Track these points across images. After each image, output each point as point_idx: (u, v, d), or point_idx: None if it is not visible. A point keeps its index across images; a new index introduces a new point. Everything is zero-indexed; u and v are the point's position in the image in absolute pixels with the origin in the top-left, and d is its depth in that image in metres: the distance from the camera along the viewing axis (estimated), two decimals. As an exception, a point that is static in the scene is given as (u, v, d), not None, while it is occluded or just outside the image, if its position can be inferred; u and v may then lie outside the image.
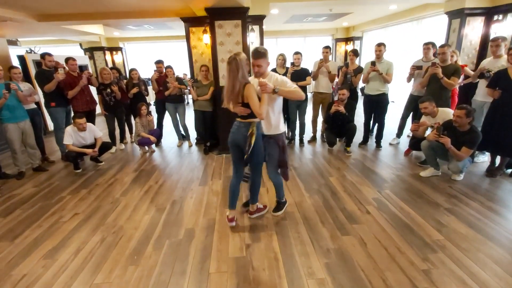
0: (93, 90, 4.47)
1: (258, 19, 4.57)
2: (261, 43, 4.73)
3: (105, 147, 4.09)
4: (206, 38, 4.45)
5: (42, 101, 4.23)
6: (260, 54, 2.13)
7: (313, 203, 2.77)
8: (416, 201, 2.75)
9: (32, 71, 5.92)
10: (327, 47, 4.44)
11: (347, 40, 9.92)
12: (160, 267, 1.99)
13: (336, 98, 4.19)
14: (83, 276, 1.93)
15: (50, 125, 5.69)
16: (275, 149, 2.38)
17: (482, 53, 4.62)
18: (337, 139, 4.45)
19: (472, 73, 3.78)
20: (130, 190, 3.26)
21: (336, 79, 4.82)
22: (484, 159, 3.59)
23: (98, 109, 4.59)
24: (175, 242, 2.27)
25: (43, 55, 3.98)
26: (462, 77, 3.82)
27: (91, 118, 4.32)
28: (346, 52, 9.79)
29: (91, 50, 8.92)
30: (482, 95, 3.43)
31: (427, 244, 2.11)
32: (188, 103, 10.08)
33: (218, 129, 4.37)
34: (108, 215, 2.71)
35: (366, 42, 9.54)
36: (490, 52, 3.55)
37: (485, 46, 4.52)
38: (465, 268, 1.86)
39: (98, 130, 4.00)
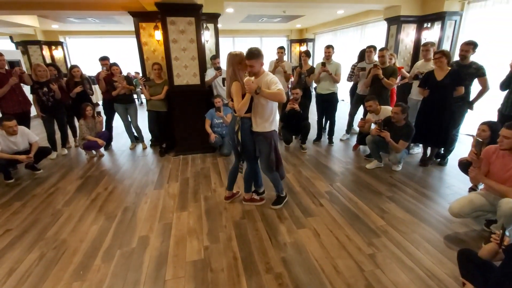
0: (26, 89, 3.97)
1: (213, 17, 4.50)
2: (217, 41, 4.68)
3: (42, 153, 3.66)
4: (158, 34, 4.24)
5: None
6: (252, 54, 2.20)
7: (271, 200, 2.83)
8: (362, 191, 3.00)
9: None
10: (281, 48, 4.57)
11: (301, 41, 10.35)
12: (111, 280, 1.86)
13: (291, 97, 4.35)
14: (17, 300, 1.72)
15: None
16: (265, 146, 2.44)
17: (415, 57, 5.19)
18: (293, 136, 4.62)
19: (408, 74, 4.23)
20: (74, 199, 2.97)
21: (292, 79, 5.00)
22: (418, 150, 4.06)
23: (34, 111, 4.09)
24: (127, 251, 2.14)
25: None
26: (399, 78, 4.24)
27: (25, 120, 3.83)
28: (300, 53, 10.19)
29: (24, 44, 7.87)
30: (417, 94, 3.85)
31: (372, 230, 2.32)
32: (141, 102, 9.54)
33: (174, 130, 4.21)
34: (48, 229, 2.43)
35: (318, 44, 10.06)
36: (421, 56, 4.01)
37: (418, 50, 5.10)
38: (403, 249, 2.09)
39: (33, 134, 3.56)
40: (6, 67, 3.76)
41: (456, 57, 4.82)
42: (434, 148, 3.62)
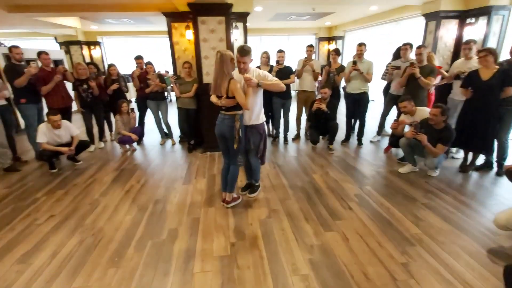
0: (68, 86, 4.27)
1: (242, 16, 4.53)
2: (245, 40, 4.70)
3: (82, 146, 3.92)
4: (189, 34, 4.36)
5: (12, 97, 3.99)
6: (246, 52, 2.34)
7: (297, 200, 2.81)
8: (395, 196, 2.86)
9: (2, 65, 5.56)
10: (311, 46, 4.48)
11: (329, 39, 10.08)
12: (142, 269, 1.95)
13: (319, 97, 4.26)
14: (60, 281, 1.85)
15: (23, 123, 5.37)
16: (258, 136, 2.63)
17: (456, 55, 4.84)
18: (320, 137, 4.52)
19: (446, 74, 3.96)
20: (110, 190, 3.15)
21: (320, 78, 4.89)
22: (459, 155, 3.78)
23: (75, 106, 4.40)
24: (158, 242, 2.22)
25: (10, 48, 3.76)
26: (438, 78, 3.97)
27: (67, 115, 4.14)
28: (328, 51, 9.96)
29: (67, 44, 8.49)
30: (458, 94, 3.58)
31: (405, 238, 2.20)
32: (171, 100, 9.88)
33: (202, 127, 4.31)
34: (86, 217, 2.61)
35: (347, 42, 9.75)
36: (463, 54, 3.73)
37: (459, 48, 4.74)
38: (441, 260, 1.96)
39: (74, 127, 3.83)
40: (51, 66, 4.08)
41: (504, 55, 4.44)
42: (477, 154, 3.34)
